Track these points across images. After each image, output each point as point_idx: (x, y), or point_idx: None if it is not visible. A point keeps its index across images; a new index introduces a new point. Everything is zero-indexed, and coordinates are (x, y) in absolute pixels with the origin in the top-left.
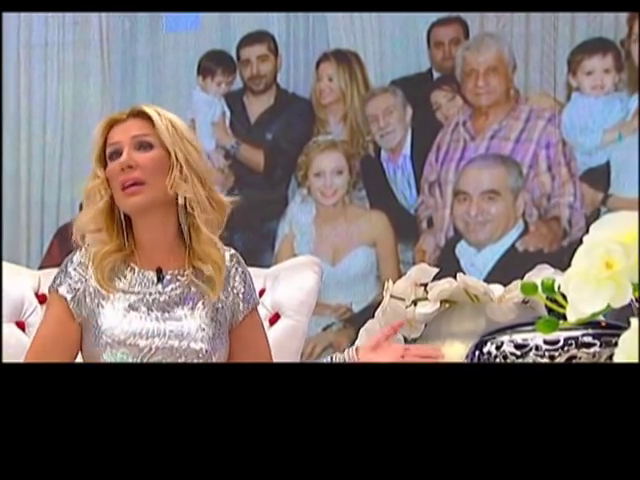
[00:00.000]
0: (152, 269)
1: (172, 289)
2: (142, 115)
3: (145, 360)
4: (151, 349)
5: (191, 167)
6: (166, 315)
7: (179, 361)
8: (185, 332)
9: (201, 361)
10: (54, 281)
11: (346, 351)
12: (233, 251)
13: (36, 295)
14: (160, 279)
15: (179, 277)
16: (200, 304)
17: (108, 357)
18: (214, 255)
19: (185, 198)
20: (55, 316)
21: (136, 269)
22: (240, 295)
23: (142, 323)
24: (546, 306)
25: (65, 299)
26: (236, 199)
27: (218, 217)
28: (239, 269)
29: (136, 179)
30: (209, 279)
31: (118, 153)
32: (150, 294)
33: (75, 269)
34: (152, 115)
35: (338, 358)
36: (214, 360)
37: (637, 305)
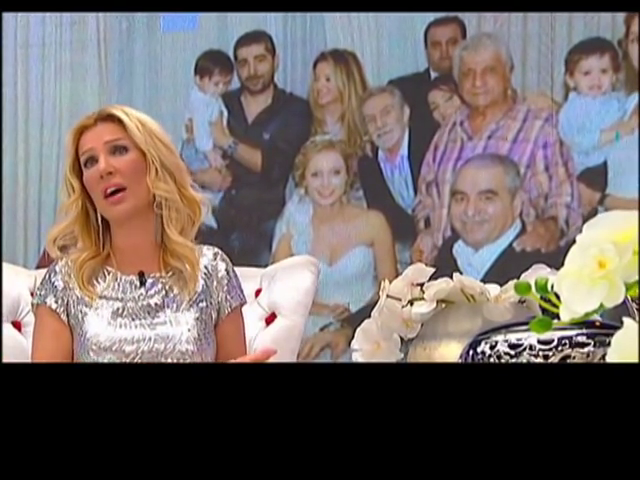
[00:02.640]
0: (133, 273)
1: (155, 292)
2: (111, 118)
3: None
4: (137, 353)
5: (164, 165)
6: (151, 319)
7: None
8: (170, 335)
9: (188, 362)
10: (39, 293)
11: None
12: (217, 249)
13: (32, 295)
14: (143, 283)
15: (161, 280)
16: (184, 305)
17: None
18: (185, 252)
19: (160, 197)
20: (50, 328)
21: (117, 275)
22: (224, 293)
23: (127, 329)
24: (540, 306)
25: (54, 310)
26: (208, 196)
27: (190, 213)
28: (222, 266)
29: (117, 184)
30: (183, 276)
31: (93, 160)
32: (133, 299)
33: (59, 279)
34: (121, 117)
35: None
36: (201, 360)
37: (635, 305)
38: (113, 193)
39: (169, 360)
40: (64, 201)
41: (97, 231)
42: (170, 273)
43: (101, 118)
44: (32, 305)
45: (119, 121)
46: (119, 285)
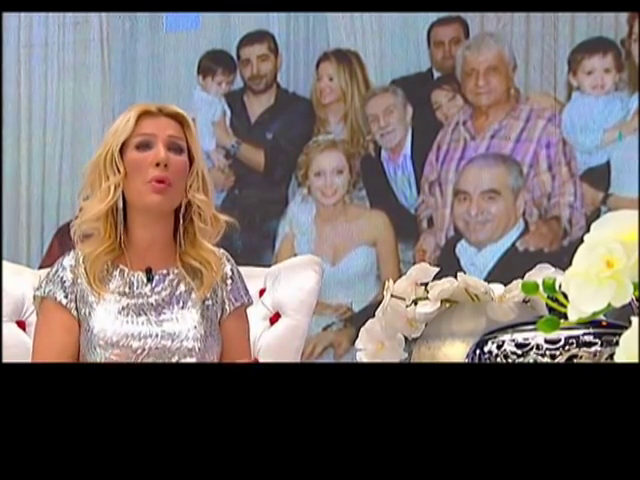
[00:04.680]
0: (141, 270)
1: (162, 288)
2: (175, 117)
3: (139, 361)
4: (144, 350)
5: (204, 178)
6: (157, 316)
7: (172, 360)
8: (177, 331)
9: (194, 359)
10: (45, 288)
11: None
12: (222, 250)
13: None
14: (150, 279)
15: (168, 277)
16: (190, 302)
17: (101, 358)
18: (208, 257)
19: (192, 207)
20: (59, 325)
21: (125, 271)
22: (227, 292)
23: (134, 325)
24: (547, 305)
25: (64, 305)
26: (230, 220)
27: (212, 232)
28: (228, 267)
29: (167, 179)
30: (199, 275)
31: (148, 145)
32: (141, 296)
33: (67, 274)
34: (188, 121)
35: None
36: (207, 358)
37: (637, 304)
38: (160, 183)
39: (175, 356)
40: (92, 182)
41: (115, 223)
42: (184, 270)
43: (165, 113)
44: (34, 298)
45: (181, 123)
46: (127, 281)
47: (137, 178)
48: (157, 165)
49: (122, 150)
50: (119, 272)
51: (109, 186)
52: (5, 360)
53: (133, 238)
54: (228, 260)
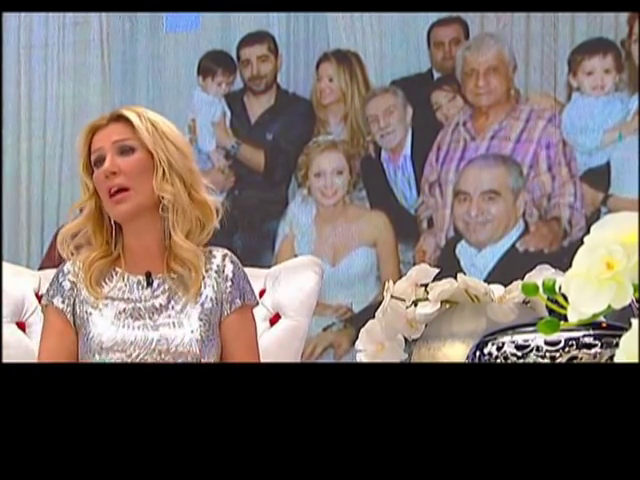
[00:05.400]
0: (140, 274)
1: (161, 292)
2: (122, 119)
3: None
4: (140, 354)
5: (172, 167)
6: (155, 319)
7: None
8: (174, 336)
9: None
10: (47, 293)
11: None
12: (226, 251)
13: (36, 295)
14: (150, 283)
15: (167, 281)
16: (188, 307)
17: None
18: (189, 257)
19: (166, 199)
20: (55, 328)
21: (124, 275)
22: (227, 294)
23: (130, 329)
24: (547, 307)
25: (61, 310)
26: (221, 199)
27: (200, 216)
28: (230, 267)
29: (120, 185)
30: (186, 281)
31: (101, 160)
32: (139, 299)
33: (66, 279)
34: (131, 118)
35: None
36: (204, 362)
37: (637, 306)
38: (117, 192)
39: (172, 360)
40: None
41: (110, 231)
42: (175, 275)
43: (113, 119)
44: (42, 307)
45: (129, 122)
46: (126, 285)
47: (101, 195)
48: (107, 177)
49: (92, 169)
50: (118, 276)
51: (83, 202)
52: (5, 361)
53: (128, 244)
54: (232, 261)
